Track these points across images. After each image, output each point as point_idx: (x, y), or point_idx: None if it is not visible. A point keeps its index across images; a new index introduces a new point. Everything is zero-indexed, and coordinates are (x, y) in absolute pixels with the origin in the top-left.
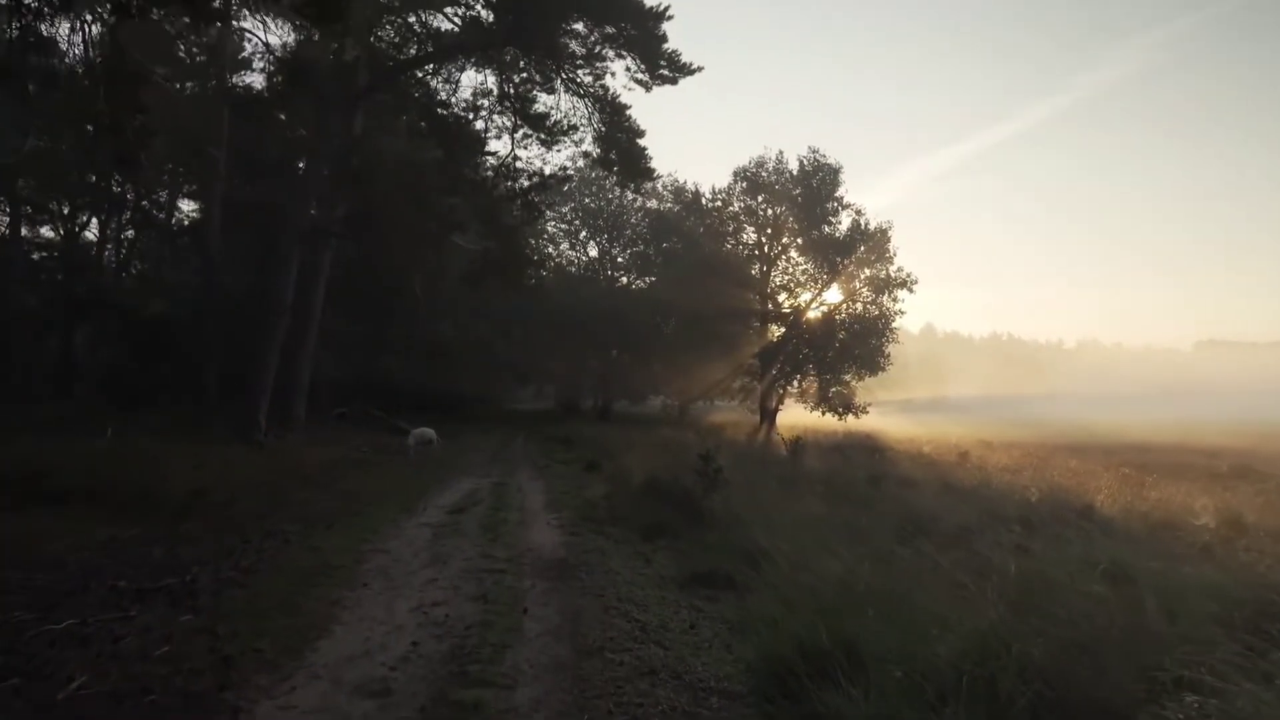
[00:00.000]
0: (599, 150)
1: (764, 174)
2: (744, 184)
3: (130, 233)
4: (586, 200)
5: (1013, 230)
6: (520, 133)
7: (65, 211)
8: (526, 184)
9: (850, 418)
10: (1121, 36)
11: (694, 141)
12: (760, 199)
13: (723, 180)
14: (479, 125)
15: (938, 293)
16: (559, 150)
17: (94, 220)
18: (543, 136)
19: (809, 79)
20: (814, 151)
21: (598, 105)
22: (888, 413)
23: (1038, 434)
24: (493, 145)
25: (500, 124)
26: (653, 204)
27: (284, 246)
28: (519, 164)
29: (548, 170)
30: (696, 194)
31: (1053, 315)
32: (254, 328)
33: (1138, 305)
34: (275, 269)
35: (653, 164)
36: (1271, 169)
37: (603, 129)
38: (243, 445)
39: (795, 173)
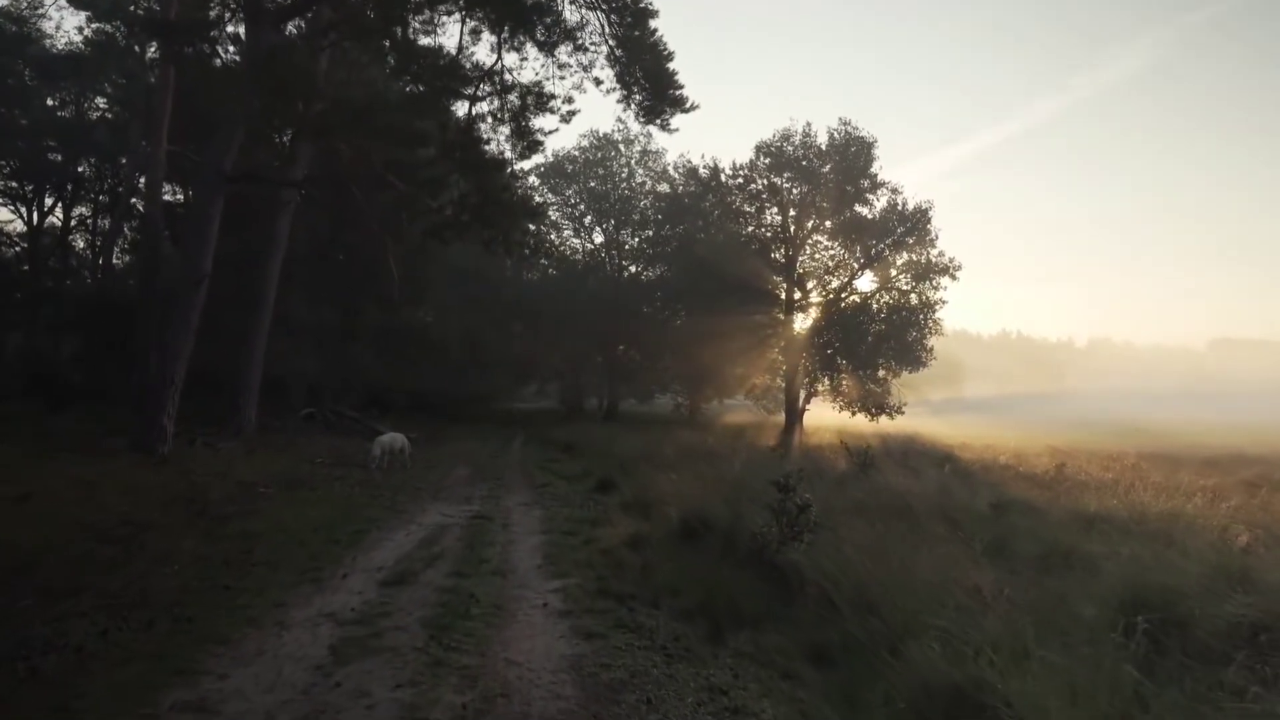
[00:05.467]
0: (616, 70)
1: (789, 148)
2: (767, 160)
3: (100, 217)
4: (591, 184)
5: (1020, 228)
6: (505, 31)
7: (29, 192)
8: (518, 102)
9: (884, 418)
10: (1130, 33)
11: (694, 143)
12: (785, 176)
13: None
14: (451, 24)
15: (942, 290)
16: (564, 75)
17: (58, 205)
18: (539, 36)
19: (810, 80)
20: (845, 123)
21: (614, 10)
22: (915, 414)
23: (1096, 437)
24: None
25: (481, 16)
26: (664, 188)
27: (200, 196)
28: (508, 76)
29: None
30: (714, 170)
31: (1062, 313)
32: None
33: (1148, 303)
34: (189, 227)
35: (685, 92)
36: None
37: (620, 52)
38: (141, 458)
39: (824, 147)
